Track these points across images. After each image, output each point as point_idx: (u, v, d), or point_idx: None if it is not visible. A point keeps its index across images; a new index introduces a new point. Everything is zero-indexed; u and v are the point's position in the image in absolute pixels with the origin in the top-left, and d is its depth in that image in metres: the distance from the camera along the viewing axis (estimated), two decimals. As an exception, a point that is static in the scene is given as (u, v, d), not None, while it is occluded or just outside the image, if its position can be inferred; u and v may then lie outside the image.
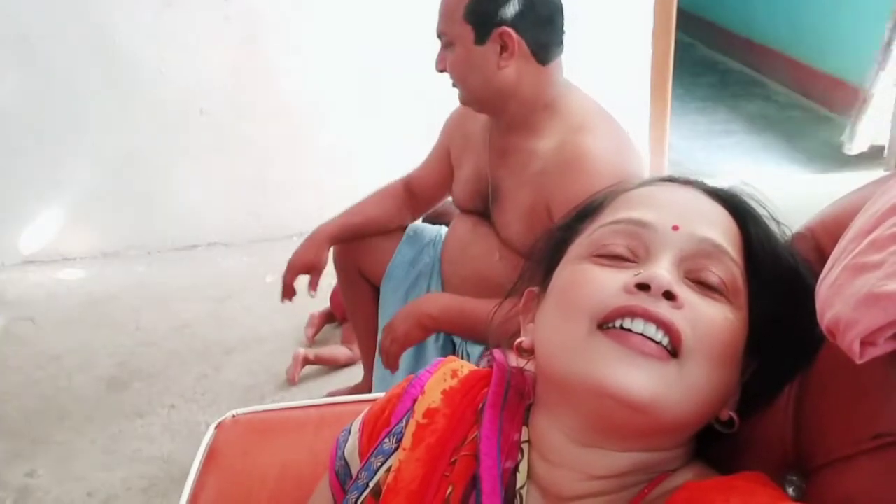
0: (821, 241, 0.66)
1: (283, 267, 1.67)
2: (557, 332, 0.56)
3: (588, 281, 0.55)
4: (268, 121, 2.70)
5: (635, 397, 0.51)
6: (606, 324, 0.53)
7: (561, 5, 1.34)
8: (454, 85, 1.37)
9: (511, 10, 1.27)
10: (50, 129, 2.59)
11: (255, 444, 0.96)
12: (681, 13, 2.93)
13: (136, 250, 2.79)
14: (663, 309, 0.52)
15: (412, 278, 1.64)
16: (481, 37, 1.28)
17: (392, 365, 1.44)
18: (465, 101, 1.38)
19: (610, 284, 0.54)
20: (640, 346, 0.51)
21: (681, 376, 0.52)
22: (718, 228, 0.58)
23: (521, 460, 0.59)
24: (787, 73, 4.14)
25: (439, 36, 1.35)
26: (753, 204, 0.62)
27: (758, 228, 0.61)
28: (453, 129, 1.56)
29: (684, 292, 0.54)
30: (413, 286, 1.63)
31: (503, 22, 1.27)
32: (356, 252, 1.71)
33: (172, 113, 2.64)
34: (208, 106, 2.65)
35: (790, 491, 0.59)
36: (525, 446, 0.60)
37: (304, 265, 1.62)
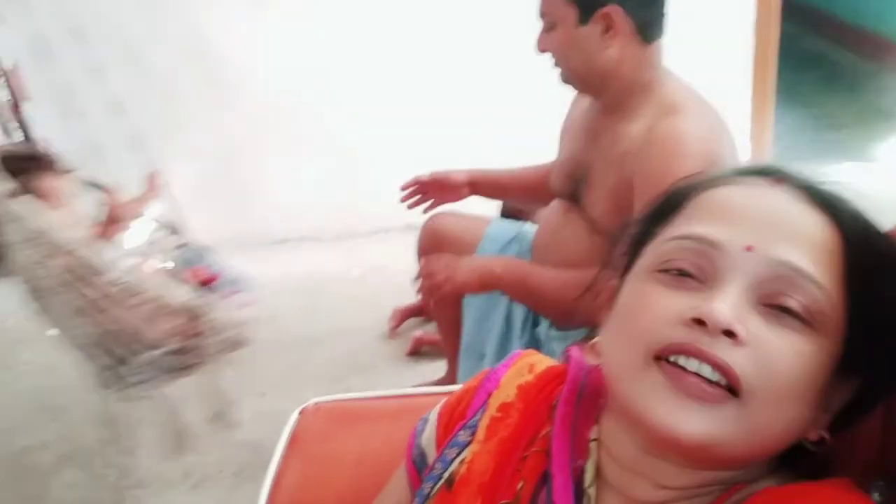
0: None
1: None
2: (616, 353, 0.54)
3: (647, 306, 0.52)
4: (356, 118, 2.74)
5: (685, 440, 0.48)
6: (662, 356, 0.50)
7: None
8: (555, 65, 1.36)
9: None
10: (150, 129, 2.71)
11: (335, 430, 0.97)
12: (786, 2, 2.78)
13: (230, 244, 2.88)
14: (720, 349, 0.47)
15: (496, 273, 1.63)
16: (585, 17, 1.27)
17: (430, 296, 1.45)
18: (566, 80, 1.37)
19: (668, 313, 0.50)
20: (693, 389, 0.48)
21: (742, 416, 0.48)
22: (804, 246, 0.50)
23: (589, 458, 0.57)
24: (904, 64, 3.86)
25: (541, 17, 1.35)
26: (856, 204, 0.54)
27: (860, 235, 0.52)
28: (566, 118, 1.56)
29: (751, 325, 0.48)
30: (497, 281, 1.62)
31: (609, 1, 1.25)
32: (440, 246, 1.72)
33: (265, 111, 2.72)
34: (300, 104, 2.71)
35: (875, 496, 0.55)
36: (594, 445, 0.58)
37: (443, 172, 1.67)
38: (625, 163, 1.28)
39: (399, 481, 0.69)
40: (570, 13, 1.28)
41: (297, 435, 0.97)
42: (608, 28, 1.26)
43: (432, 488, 0.62)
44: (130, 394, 1.73)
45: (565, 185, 1.47)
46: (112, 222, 1.98)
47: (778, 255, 0.49)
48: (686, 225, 0.54)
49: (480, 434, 0.62)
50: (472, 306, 1.68)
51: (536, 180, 1.69)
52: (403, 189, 1.71)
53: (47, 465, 1.94)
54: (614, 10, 1.25)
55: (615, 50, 1.28)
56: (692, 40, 2.56)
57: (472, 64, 2.67)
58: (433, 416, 0.69)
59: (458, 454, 0.62)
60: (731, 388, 0.48)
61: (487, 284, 1.43)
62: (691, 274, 0.51)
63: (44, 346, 2.47)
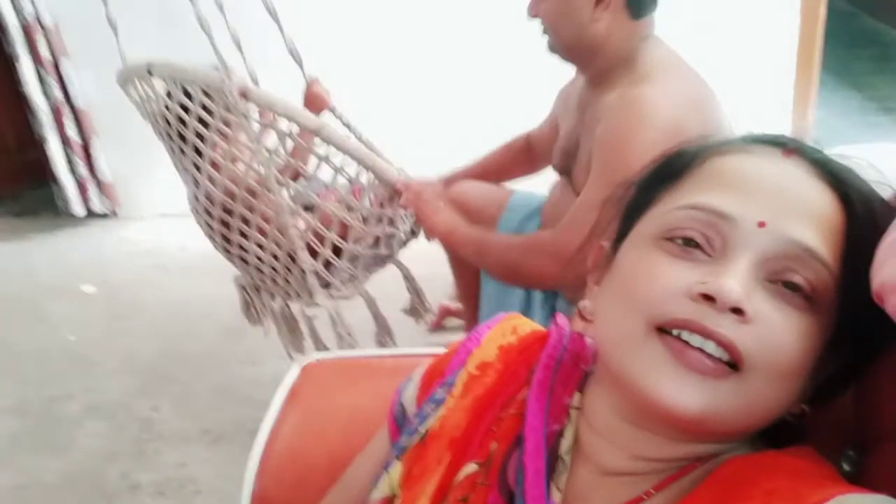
0: None
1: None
2: (614, 322, 0.52)
3: (652, 277, 0.50)
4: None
5: (682, 412, 0.48)
6: (664, 328, 0.49)
7: None
8: (544, 32, 1.35)
9: None
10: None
11: (333, 385, 0.99)
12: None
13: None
14: (726, 326, 0.47)
15: (515, 244, 1.62)
16: None
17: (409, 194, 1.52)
18: (553, 49, 1.37)
19: (674, 285, 0.49)
20: (695, 363, 0.47)
21: (739, 390, 0.48)
22: (815, 223, 0.49)
23: (567, 425, 0.57)
24: (964, 46, 3.69)
25: None
26: (865, 182, 0.53)
27: (866, 214, 0.52)
28: (560, 94, 1.57)
29: (757, 302, 0.48)
30: (516, 253, 1.61)
31: None
32: (463, 217, 1.71)
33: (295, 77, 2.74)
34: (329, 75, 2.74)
35: (845, 466, 0.54)
36: (574, 412, 0.57)
37: (419, 181, 1.63)
38: (594, 132, 1.28)
39: (381, 437, 0.70)
40: None
41: (297, 388, 0.99)
42: (600, 0, 1.25)
43: (408, 442, 0.62)
44: (335, 295, 1.69)
45: (561, 161, 1.47)
46: (313, 106, 1.85)
47: (790, 234, 0.49)
48: (695, 193, 0.52)
49: (457, 390, 0.62)
50: (491, 279, 1.68)
51: (504, 162, 1.75)
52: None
53: (73, 414, 2.00)
54: None
55: (604, 24, 1.27)
56: (734, 16, 2.50)
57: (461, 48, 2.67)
58: (417, 375, 0.69)
59: (434, 410, 0.62)
60: (732, 363, 0.47)
61: (449, 242, 1.52)
62: (698, 245, 0.50)
63: (76, 299, 2.55)
